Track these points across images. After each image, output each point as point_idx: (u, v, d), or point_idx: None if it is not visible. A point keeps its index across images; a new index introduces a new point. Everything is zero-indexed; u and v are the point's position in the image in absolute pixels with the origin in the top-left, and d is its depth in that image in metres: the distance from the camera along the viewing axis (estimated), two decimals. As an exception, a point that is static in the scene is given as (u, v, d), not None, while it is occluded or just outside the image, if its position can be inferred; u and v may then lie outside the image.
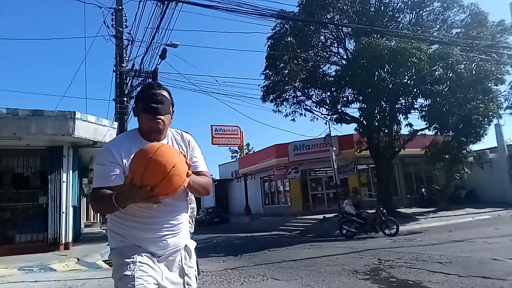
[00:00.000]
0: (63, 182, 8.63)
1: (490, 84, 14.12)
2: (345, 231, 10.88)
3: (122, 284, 1.45)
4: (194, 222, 2.55)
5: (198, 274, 1.78)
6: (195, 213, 2.64)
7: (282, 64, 15.83)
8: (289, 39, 15.79)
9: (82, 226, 21.10)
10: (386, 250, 7.66)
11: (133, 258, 1.49)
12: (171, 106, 1.66)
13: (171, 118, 1.68)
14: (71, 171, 8.92)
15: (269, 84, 16.26)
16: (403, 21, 16.10)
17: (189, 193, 1.71)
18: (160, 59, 10.06)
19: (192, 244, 1.72)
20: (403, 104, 14.24)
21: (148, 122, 1.59)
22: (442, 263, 5.69)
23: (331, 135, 16.99)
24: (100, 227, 29.54)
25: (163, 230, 1.56)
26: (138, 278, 1.44)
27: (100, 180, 1.50)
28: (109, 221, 1.63)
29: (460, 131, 14.07)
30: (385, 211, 10.89)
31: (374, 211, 10.94)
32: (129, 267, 1.46)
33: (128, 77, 10.90)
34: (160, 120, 1.58)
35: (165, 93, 1.64)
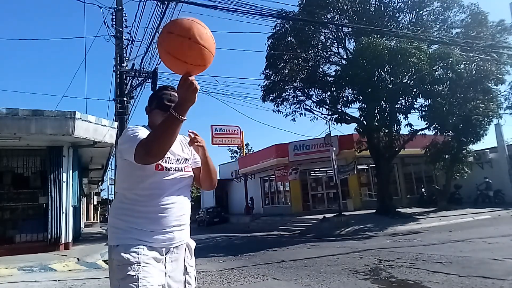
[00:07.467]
0: (63, 182, 8.63)
1: (490, 84, 14.12)
2: None
3: (125, 284, 1.44)
4: None
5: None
6: None
7: (282, 64, 15.80)
8: (289, 39, 15.76)
9: (82, 226, 21.12)
10: (386, 250, 7.65)
11: (137, 257, 1.48)
12: None
13: None
14: (71, 171, 8.91)
15: (269, 84, 16.25)
16: (403, 21, 16.10)
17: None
18: (160, 59, 10.06)
19: (193, 244, 1.75)
20: (403, 104, 14.23)
21: (160, 118, 1.67)
22: (442, 263, 5.69)
23: (331, 135, 16.96)
24: (100, 227, 29.57)
25: (171, 222, 1.59)
26: (142, 279, 1.44)
27: (143, 135, 1.52)
28: (113, 217, 1.62)
29: (460, 131, 14.08)
30: None
31: None
32: (133, 267, 1.45)
33: (128, 77, 10.90)
34: None
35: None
